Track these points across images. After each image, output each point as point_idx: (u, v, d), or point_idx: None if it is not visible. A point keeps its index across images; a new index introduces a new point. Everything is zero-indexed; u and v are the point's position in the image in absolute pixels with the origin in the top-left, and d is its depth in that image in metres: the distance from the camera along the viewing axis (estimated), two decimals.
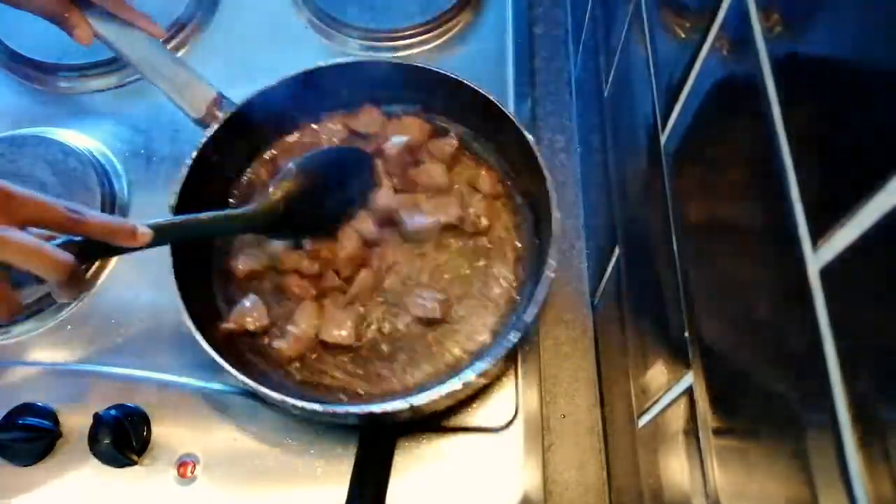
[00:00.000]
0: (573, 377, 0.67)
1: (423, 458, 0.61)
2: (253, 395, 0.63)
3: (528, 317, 0.56)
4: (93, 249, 0.50)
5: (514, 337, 0.55)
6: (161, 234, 0.53)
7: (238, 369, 0.54)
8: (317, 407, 0.54)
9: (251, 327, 0.62)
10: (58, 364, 0.65)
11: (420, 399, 0.53)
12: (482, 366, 0.54)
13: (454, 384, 0.54)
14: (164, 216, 0.56)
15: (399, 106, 0.74)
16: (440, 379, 0.54)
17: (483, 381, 0.57)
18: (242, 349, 0.63)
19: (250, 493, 0.60)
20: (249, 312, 0.62)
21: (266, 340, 0.63)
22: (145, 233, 0.51)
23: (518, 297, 0.65)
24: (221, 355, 0.55)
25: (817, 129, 0.26)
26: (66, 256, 0.47)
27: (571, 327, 0.69)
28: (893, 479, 0.21)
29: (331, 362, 0.62)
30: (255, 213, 0.62)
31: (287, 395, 0.54)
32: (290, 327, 0.62)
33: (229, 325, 0.62)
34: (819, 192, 0.26)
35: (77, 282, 0.48)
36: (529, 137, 0.64)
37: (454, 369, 0.60)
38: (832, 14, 0.26)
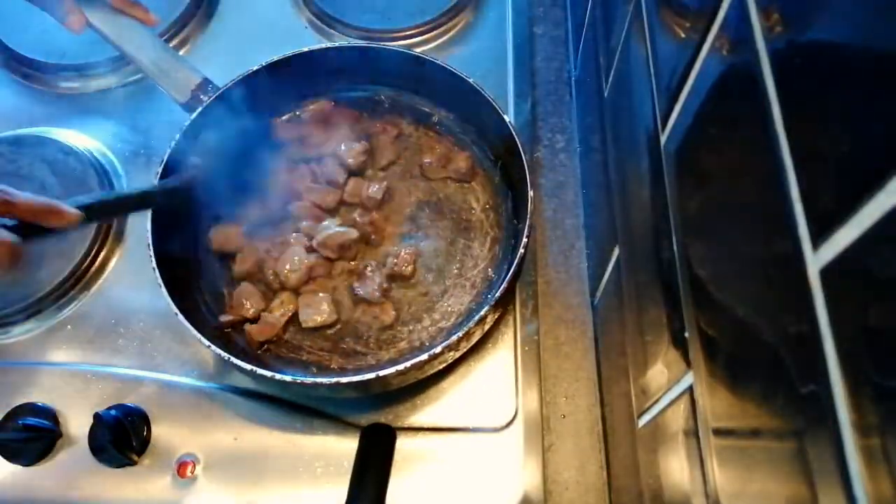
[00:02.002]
0: (573, 377, 0.67)
1: (423, 458, 0.61)
2: (253, 394, 0.63)
3: (499, 292, 0.57)
4: (24, 231, 0.50)
5: (481, 311, 0.56)
6: (89, 213, 0.53)
7: (215, 343, 0.55)
8: (286, 377, 0.55)
9: (249, 315, 0.63)
10: (58, 364, 0.65)
11: (387, 370, 0.54)
12: (451, 338, 0.55)
13: (420, 356, 0.54)
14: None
15: (382, 89, 0.75)
16: (414, 354, 0.55)
17: (452, 354, 0.58)
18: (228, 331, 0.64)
19: (250, 493, 0.60)
20: (246, 300, 0.63)
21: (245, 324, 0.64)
22: (74, 213, 0.52)
23: (494, 277, 0.66)
24: (191, 324, 0.56)
25: (817, 129, 0.26)
26: None
27: (571, 327, 0.69)
28: (893, 479, 0.21)
29: (307, 340, 0.63)
30: (176, 186, 0.62)
31: (258, 367, 0.55)
32: (264, 314, 0.63)
33: (228, 316, 0.63)
34: (819, 192, 0.25)
35: (13, 258, 0.48)
36: (507, 118, 0.65)
37: (428, 346, 0.61)
38: (832, 14, 0.26)
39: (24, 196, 0.50)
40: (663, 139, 0.45)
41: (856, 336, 0.23)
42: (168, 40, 0.84)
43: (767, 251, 0.30)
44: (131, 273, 0.70)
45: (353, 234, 0.65)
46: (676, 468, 0.43)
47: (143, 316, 0.68)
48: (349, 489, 0.56)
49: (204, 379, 0.64)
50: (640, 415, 0.51)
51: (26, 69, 0.83)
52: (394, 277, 0.65)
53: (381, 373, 0.54)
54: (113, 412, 0.59)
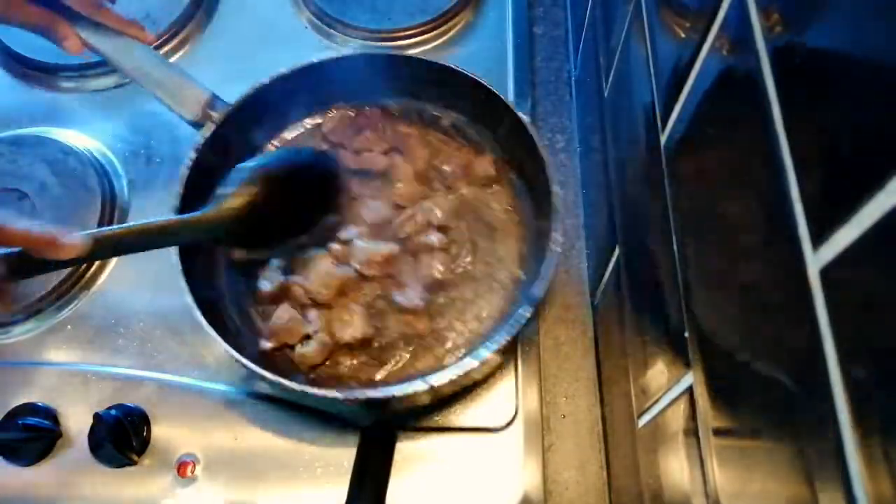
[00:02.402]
0: (573, 377, 0.67)
1: (423, 458, 0.61)
2: (253, 394, 0.63)
3: (538, 291, 0.55)
4: (22, 264, 0.46)
5: (525, 311, 0.54)
6: (99, 247, 0.48)
7: (259, 365, 0.53)
8: (336, 394, 0.53)
9: (292, 342, 0.60)
10: (58, 364, 0.65)
11: (440, 379, 0.52)
12: (498, 340, 0.54)
13: (471, 363, 0.53)
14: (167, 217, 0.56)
15: (392, 98, 0.74)
16: (459, 361, 0.54)
17: (498, 358, 0.57)
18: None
19: (250, 493, 0.60)
20: (289, 323, 0.61)
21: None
22: (73, 244, 0.46)
23: (524, 277, 0.64)
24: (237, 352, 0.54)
25: (817, 129, 0.26)
26: None
27: (571, 327, 0.69)
28: (893, 479, 0.21)
29: (342, 354, 0.61)
30: (214, 219, 0.55)
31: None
32: (315, 336, 0.60)
33: (269, 343, 0.60)
34: (819, 191, 0.25)
35: (3, 297, 0.45)
36: (524, 117, 0.64)
37: (467, 350, 0.60)
38: (832, 14, 0.26)
39: (14, 223, 0.45)
40: (663, 139, 0.45)
41: (856, 336, 0.23)
42: (168, 41, 0.84)
43: (767, 251, 0.30)
44: (131, 273, 0.70)
45: (395, 248, 0.63)
46: (676, 468, 0.43)
47: (143, 316, 0.68)
48: (349, 489, 0.56)
49: (204, 379, 0.64)
50: (640, 415, 0.51)
51: (26, 69, 0.83)
52: (431, 284, 0.63)
53: (434, 383, 0.52)
54: (113, 412, 0.59)
